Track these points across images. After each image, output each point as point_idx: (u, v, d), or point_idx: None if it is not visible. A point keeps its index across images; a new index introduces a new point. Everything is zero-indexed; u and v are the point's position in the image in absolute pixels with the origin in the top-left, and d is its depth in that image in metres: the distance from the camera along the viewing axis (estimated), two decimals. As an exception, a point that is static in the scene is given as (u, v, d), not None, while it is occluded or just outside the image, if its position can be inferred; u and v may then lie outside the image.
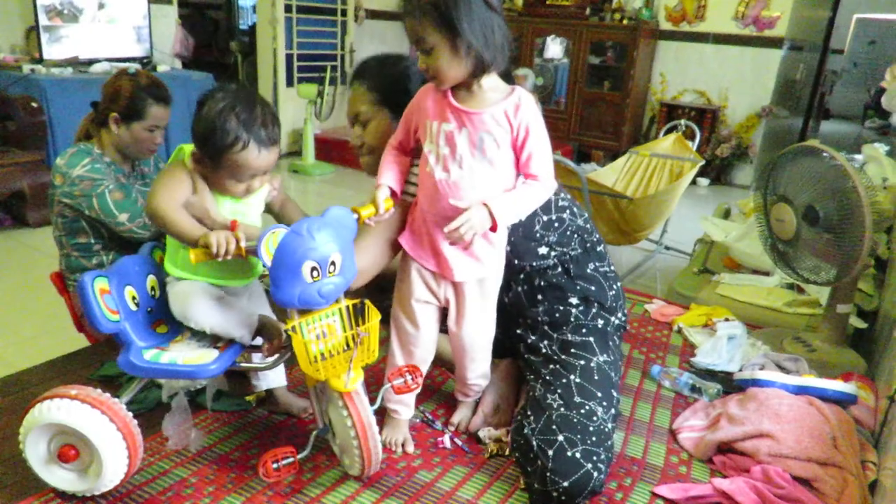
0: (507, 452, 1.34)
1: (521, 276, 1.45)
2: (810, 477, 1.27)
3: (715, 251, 2.84)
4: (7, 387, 1.47)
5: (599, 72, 6.16)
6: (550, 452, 1.19)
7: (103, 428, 1.06)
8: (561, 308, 1.43)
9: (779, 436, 1.33)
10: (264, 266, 1.09)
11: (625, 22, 5.78)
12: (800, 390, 1.48)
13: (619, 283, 1.53)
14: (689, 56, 5.90)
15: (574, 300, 1.43)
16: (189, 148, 1.21)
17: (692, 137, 3.92)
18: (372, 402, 1.21)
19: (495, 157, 1.17)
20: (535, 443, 1.22)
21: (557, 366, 1.37)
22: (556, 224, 1.44)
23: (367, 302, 1.18)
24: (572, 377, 1.34)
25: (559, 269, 1.44)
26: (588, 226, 1.50)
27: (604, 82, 6.13)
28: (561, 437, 1.21)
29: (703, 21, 5.78)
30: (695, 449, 1.41)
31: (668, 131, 4.00)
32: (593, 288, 1.45)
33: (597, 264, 1.48)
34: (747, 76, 5.66)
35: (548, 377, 1.36)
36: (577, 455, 1.19)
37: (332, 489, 1.21)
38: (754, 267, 2.61)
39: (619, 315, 1.49)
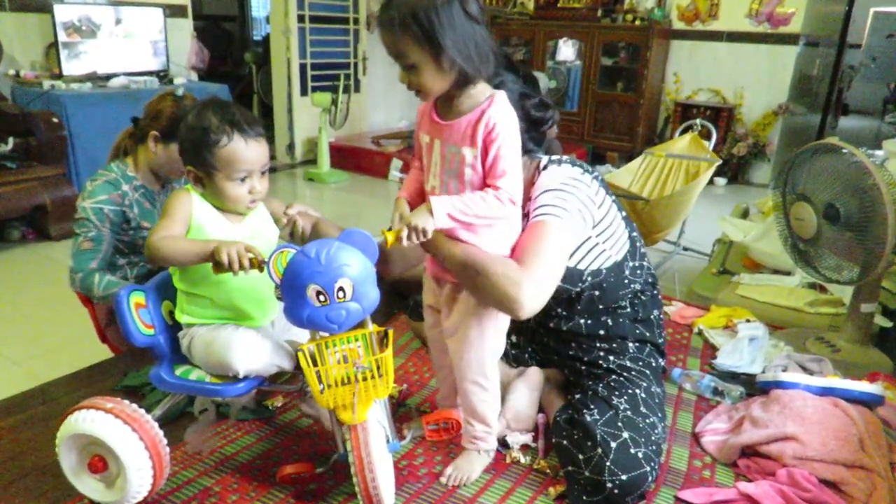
0: (533, 459, 1.34)
1: (587, 308, 1.45)
2: (837, 480, 1.25)
3: (734, 251, 2.81)
4: (33, 398, 1.49)
5: (612, 73, 6.13)
6: (614, 445, 1.22)
7: (132, 444, 1.07)
8: (620, 341, 1.47)
9: (804, 438, 1.31)
10: (276, 285, 1.08)
11: (637, 23, 5.76)
12: (824, 392, 1.46)
13: (664, 332, 1.59)
14: (703, 55, 5.85)
15: (631, 340, 1.47)
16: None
17: (708, 137, 3.88)
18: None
19: (467, 174, 1.11)
20: (598, 432, 1.23)
21: (622, 378, 1.41)
22: (638, 272, 1.46)
23: (391, 332, 1.13)
24: (638, 391, 1.38)
25: (628, 310, 1.47)
26: (655, 272, 1.55)
27: (617, 83, 6.10)
28: (626, 434, 1.24)
29: (716, 19, 5.74)
30: (718, 453, 1.40)
31: (684, 131, 3.95)
32: (648, 334, 1.50)
33: (656, 312, 1.54)
34: (763, 74, 5.60)
35: (612, 384, 1.40)
36: (640, 455, 1.22)
37: (355, 496, 1.21)
38: (774, 267, 2.58)
39: (665, 360, 1.57)
